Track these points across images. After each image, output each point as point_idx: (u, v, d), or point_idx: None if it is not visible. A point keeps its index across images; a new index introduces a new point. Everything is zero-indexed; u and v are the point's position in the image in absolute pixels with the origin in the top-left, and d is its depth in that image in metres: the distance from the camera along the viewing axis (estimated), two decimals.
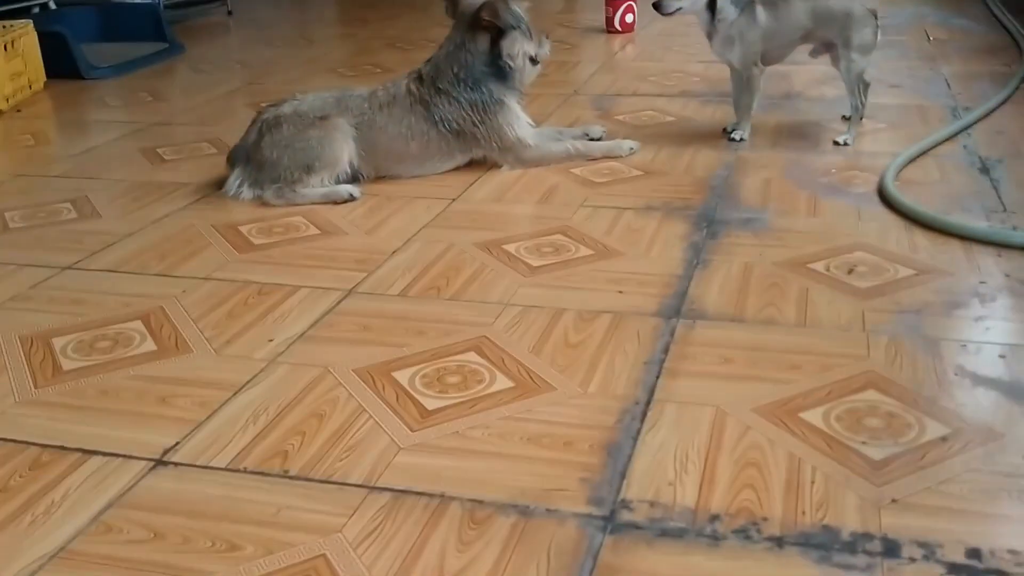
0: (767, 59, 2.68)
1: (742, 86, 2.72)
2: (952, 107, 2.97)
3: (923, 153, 2.53)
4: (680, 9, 2.60)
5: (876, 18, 2.63)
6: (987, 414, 1.38)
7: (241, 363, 1.60)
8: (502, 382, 1.51)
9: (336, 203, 2.36)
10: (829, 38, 2.64)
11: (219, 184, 2.47)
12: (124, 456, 1.35)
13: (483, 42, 2.49)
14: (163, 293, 1.89)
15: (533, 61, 2.58)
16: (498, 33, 2.48)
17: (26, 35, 3.66)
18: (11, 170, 2.77)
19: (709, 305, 1.75)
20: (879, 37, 2.65)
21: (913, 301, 1.73)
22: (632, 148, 2.66)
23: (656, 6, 2.61)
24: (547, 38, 2.63)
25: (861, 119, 2.74)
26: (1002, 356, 1.54)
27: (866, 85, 2.71)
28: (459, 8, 2.54)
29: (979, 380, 1.47)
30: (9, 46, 3.52)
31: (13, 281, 1.98)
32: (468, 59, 2.49)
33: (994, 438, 1.32)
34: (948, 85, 3.24)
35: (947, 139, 2.64)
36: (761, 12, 2.61)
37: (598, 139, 2.77)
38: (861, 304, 1.72)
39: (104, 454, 1.36)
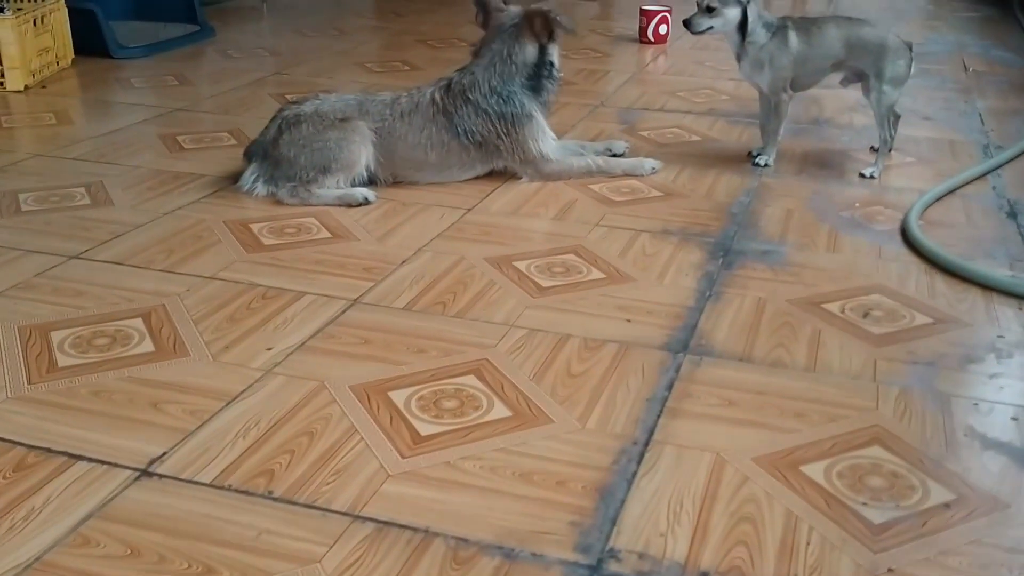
0: (797, 85, 2.64)
1: (769, 111, 2.67)
2: (984, 144, 2.91)
3: (950, 192, 2.47)
4: (711, 29, 2.56)
5: (911, 51, 2.58)
6: (994, 481, 1.34)
7: (237, 371, 1.58)
8: (499, 410, 1.48)
9: (350, 206, 2.33)
10: (861, 68, 2.59)
11: (235, 177, 2.46)
12: (110, 464, 1.33)
13: (532, 52, 2.46)
14: (167, 291, 1.87)
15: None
16: (546, 42, 2.45)
17: (56, 11, 3.65)
18: (31, 149, 2.76)
19: (718, 342, 1.71)
20: (912, 70, 2.60)
21: (927, 352, 1.68)
22: (654, 167, 2.62)
23: (686, 24, 2.57)
24: None
25: (890, 151, 2.69)
26: (1015, 419, 1.49)
27: (896, 117, 2.66)
28: (492, 19, 2.51)
29: (988, 443, 1.42)
30: (39, 21, 3.52)
31: (19, 267, 1.96)
32: (511, 71, 2.45)
33: (999, 508, 1.28)
34: (982, 120, 3.18)
35: (976, 178, 2.58)
36: (793, 37, 2.56)
37: (621, 155, 2.74)
38: (874, 351, 1.68)
39: (90, 460, 1.34)
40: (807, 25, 2.60)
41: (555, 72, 2.51)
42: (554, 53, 2.50)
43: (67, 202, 2.33)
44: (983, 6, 5.55)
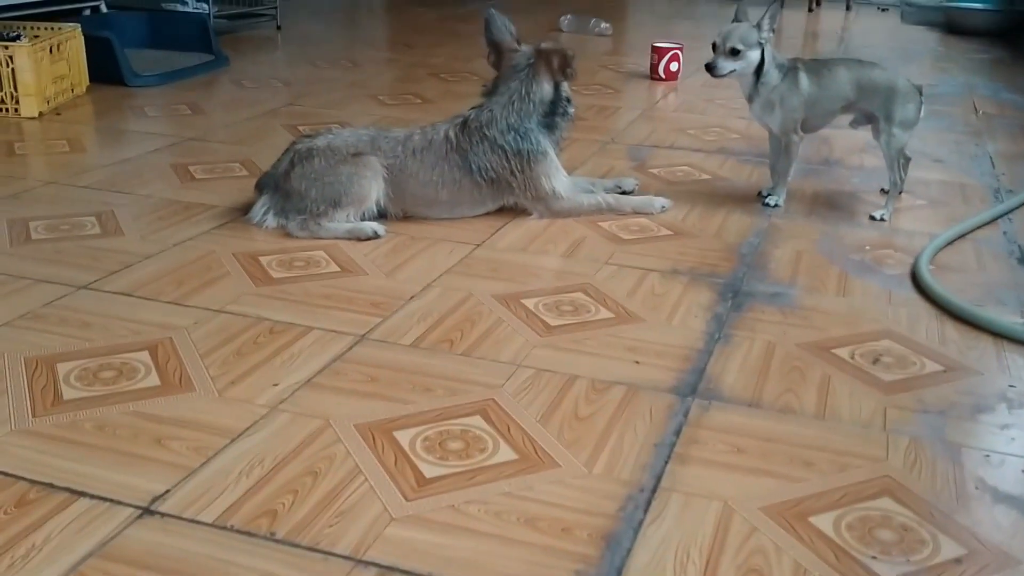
0: (807, 127, 2.64)
1: (780, 151, 2.67)
2: (995, 188, 2.91)
3: (961, 236, 2.46)
4: (733, 72, 2.54)
5: (921, 94, 2.58)
6: (1005, 536, 1.32)
7: (242, 407, 1.57)
8: (505, 453, 1.47)
9: (360, 240, 2.33)
10: (871, 111, 2.59)
11: (245, 209, 2.46)
12: (112, 501, 1.32)
13: (548, 90, 2.47)
14: (174, 323, 1.86)
15: None
16: (560, 80, 2.48)
17: (73, 39, 3.69)
18: (43, 176, 2.78)
19: (726, 386, 1.70)
20: (922, 113, 2.60)
21: (938, 400, 1.67)
22: (664, 206, 2.62)
23: (709, 69, 2.53)
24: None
25: (900, 193, 2.69)
26: None
27: (907, 160, 2.66)
28: (506, 59, 2.52)
29: (1000, 497, 1.41)
30: (55, 49, 3.55)
31: (28, 297, 1.96)
32: (528, 108, 2.46)
33: (1010, 564, 1.26)
34: (993, 164, 3.17)
35: (987, 223, 2.57)
36: (804, 79, 2.57)
37: (631, 192, 2.74)
38: (884, 399, 1.67)
39: (92, 496, 1.33)
40: (818, 67, 2.61)
41: (570, 109, 2.53)
42: (567, 91, 2.52)
43: (77, 231, 2.34)
44: (993, 48, 5.58)
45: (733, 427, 1.57)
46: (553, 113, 2.49)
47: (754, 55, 2.50)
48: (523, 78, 2.47)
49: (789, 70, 2.57)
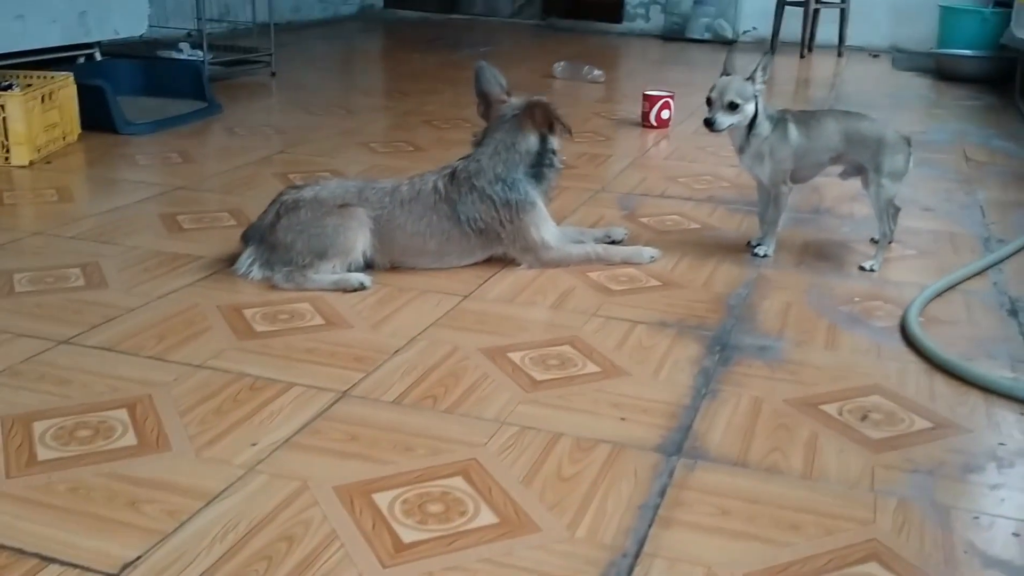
0: (796, 178, 2.64)
1: (768, 201, 2.67)
2: (985, 237, 2.90)
3: (951, 287, 2.45)
4: (731, 126, 2.54)
5: (909, 145, 2.59)
6: None
7: (219, 468, 1.54)
8: (486, 516, 1.44)
9: (346, 291, 2.32)
10: (860, 162, 2.59)
11: (232, 260, 2.45)
12: (82, 568, 1.29)
13: (534, 142, 2.48)
14: (154, 379, 1.84)
15: None
16: (546, 133, 2.47)
17: (65, 87, 3.70)
18: (30, 227, 2.77)
19: (713, 444, 1.68)
20: (912, 163, 2.60)
21: (927, 459, 1.65)
22: (653, 256, 2.61)
23: (708, 124, 2.51)
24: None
25: (890, 243, 2.68)
26: (1016, 535, 1.45)
27: (896, 210, 2.66)
28: (494, 110, 2.53)
29: (989, 561, 1.38)
30: (47, 97, 3.56)
31: (7, 352, 1.94)
32: (515, 159, 2.47)
33: None
34: (983, 213, 3.17)
35: (977, 274, 2.56)
36: (793, 130, 2.57)
37: (620, 241, 2.74)
38: (872, 458, 1.64)
39: (62, 563, 1.30)
40: (806, 119, 2.61)
41: (556, 161, 2.52)
42: (555, 142, 2.52)
43: (61, 283, 2.32)
44: (984, 94, 5.61)
45: (719, 488, 1.54)
46: (540, 164, 2.49)
47: (750, 108, 2.51)
48: (508, 129, 2.48)
49: (778, 121, 2.58)
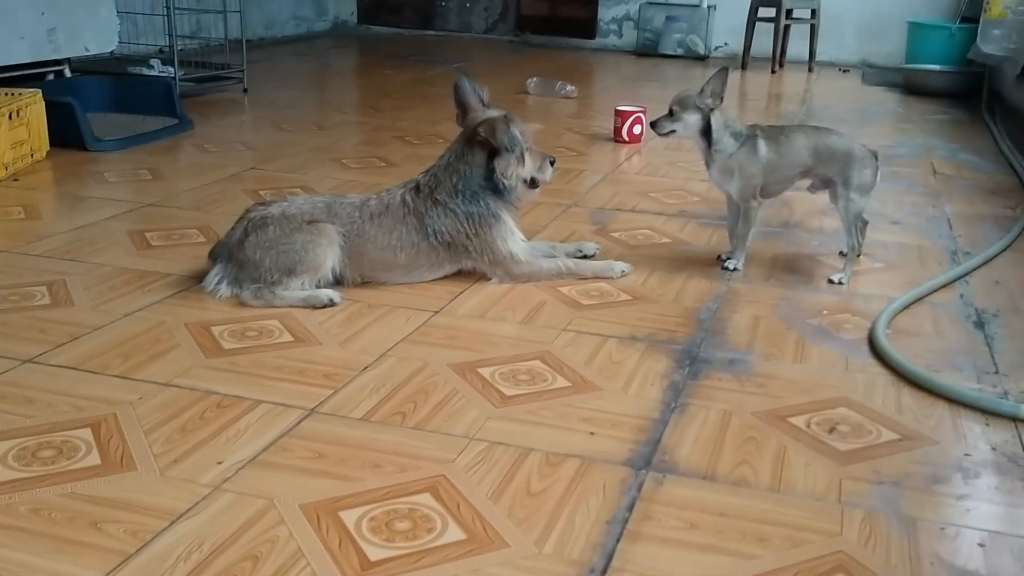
0: (766, 192, 2.66)
1: (738, 216, 2.69)
2: (952, 250, 2.93)
3: (918, 300, 2.47)
4: (673, 132, 2.62)
5: (876, 159, 2.62)
6: None
7: (184, 487, 1.53)
8: (454, 532, 1.43)
9: (315, 308, 2.31)
10: (829, 176, 2.62)
11: (200, 277, 2.43)
12: None
13: (480, 157, 2.47)
14: (119, 398, 1.82)
15: (532, 183, 2.55)
16: (494, 150, 2.45)
17: (33, 104, 3.67)
18: None
19: (681, 458, 1.68)
20: (879, 178, 2.63)
21: (893, 471, 1.65)
22: (624, 271, 2.62)
23: (652, 125, 2.67)
24: (551, 164, 2.59)
25: (858, 256, 2.71)
26: (981, 545, 1.46)
27: (864, 223, 2.69)
28: (467, 119, 2.53)
29: (955, 572, 1.39)
30: (14, 114, 3.53)
31: None
32: (467, 171, 2.47)
33: None
34: (950, 225, 3.21)
35: (944, 286, 2.59)
36: (763, 146, 2.59)
37: (591, 256, 2.74)
38: (839, 470, 1.65)
39: None
40: (776, 134, 2.64)
41: (503, 181, 2.48)
42: (503, 163, 2.46)
43: (27, 301, 2.29)
44: (951, 108, 5.68)
45: (687, 501, 1.54)
46: (492, 179, 2.48)
47: (692, 118, 2.57)
48: (461, 142, 2.49)
49: (748, 138, 2.60)
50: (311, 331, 2.18)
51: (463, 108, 2.56)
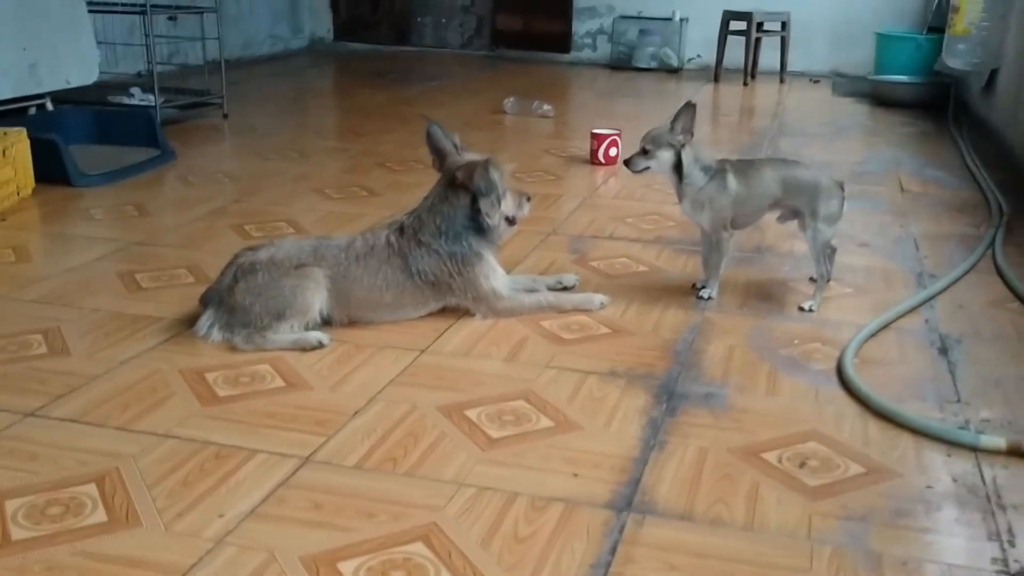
0: (736, 224, 2.76)
1: (711, 246, 2.78)
2: (919, 272, 3.04)
3: (885, 327, 2.58)
4: (647, 169, 2.71)
5: (843, 190, 2.72)
6: None
7: (189, 542, 1.60)
8: None
9: (305, 350, 2.39)
10: (797, 207, 2.72)
11: (191, 320, 2.50)
12: None
13: (463, 199, 2.56)
14: (121, 451, 1.90)
15: (510, 221, 2.65)
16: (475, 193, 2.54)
17: (19, 142, 3.73)
18: None
19: (660, 497, 1.77)
20: (845, 208, 2.73)
21: (860, 506, 1.75)
22: (603, 303, 2.71)
23: (626, 163, 2.76)
24: (528, 200, 2.70)
25: (828, 282, 2.81)
26: None
27: (832, 251, 2.79)
28: (445, 163, 2.62)
29: None
30: (1, 154, 3.58)
31: None
32: (449, 212, 2.55)
33: None
34: (916, 246, 3.32)
35: (910, 311, 2.69)
36: (732, 179, 2.69)
37: (572, 287, 2.83)
38: (809, 506, 1.75)
39: None
40: (744, 168, 2.74)
41: (487, 221, 2.56)
42: (486, 204, 2.54)
43: (24, 351, 2.36)
44: (919, 120, 5.82)
45: (666, 543, 1.64)
46: (476, 220, 2.57)
47: (665, 155, 2.67)
48: (443, 184, 2.59)
49: (717, 172, 2.70)
50: (302, 375, 2.26)
51: (439, 154, 2.65)
